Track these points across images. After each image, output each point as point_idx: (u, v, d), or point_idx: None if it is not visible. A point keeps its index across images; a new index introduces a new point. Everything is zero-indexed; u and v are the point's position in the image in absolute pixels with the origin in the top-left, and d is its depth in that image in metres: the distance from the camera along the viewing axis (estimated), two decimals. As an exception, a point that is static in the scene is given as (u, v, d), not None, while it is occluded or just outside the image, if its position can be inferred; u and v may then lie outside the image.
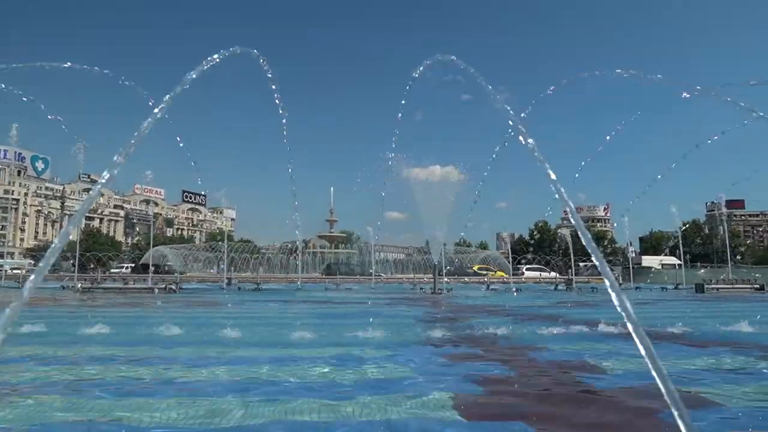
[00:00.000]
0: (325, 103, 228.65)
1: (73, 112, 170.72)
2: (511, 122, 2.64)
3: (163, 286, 23.75)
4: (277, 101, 5.04)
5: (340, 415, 3.47)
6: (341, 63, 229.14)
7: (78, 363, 5.44)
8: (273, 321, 11.35)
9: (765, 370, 5.44)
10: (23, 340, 6.61)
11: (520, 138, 2.40)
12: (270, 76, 5.02)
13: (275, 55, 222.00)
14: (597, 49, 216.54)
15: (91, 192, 2.97)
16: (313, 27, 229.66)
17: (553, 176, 2.18)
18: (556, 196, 2.22)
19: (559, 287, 32.25)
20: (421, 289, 28.67)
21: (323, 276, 47.58)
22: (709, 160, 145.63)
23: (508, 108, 2.68)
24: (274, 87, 5.09)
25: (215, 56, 3.56)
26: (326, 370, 5.06)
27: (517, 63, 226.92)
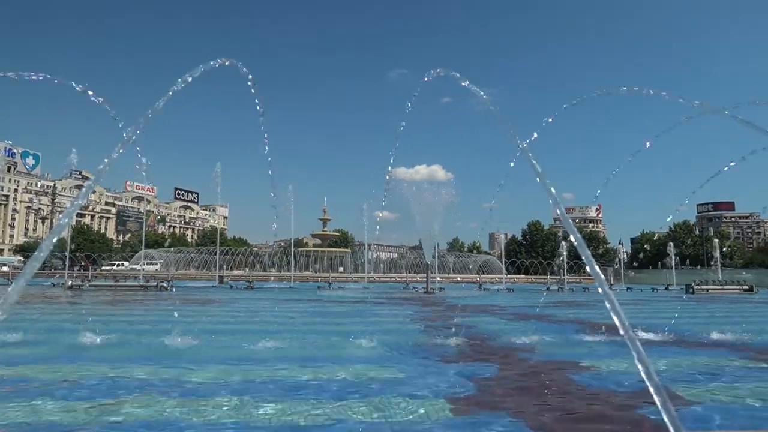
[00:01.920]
0: (318, 98, 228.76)
1: (62, 105, 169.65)
2: (521, 146, 2.70)
3: (155, 284, 23.58)
4: (258, 107, 5.06)
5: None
6: (329, 53, 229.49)
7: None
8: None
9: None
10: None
11: (534, 163, 2.39)
12: (252, 91, 5.03)
13: (274, 51, 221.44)
14: (587, 41, 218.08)
15: (74, 201, 2.95)
16: (308, 22, 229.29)
17: (560, 209, 2.20)
18: (557, 212, 2.24)
19: (551, 287, 32.40)
20: (414, 288, 28.62)
21: (316, 275, 47.67)
22: (702, 163, 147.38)
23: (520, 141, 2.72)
24: (258, 104, 5.12)
25: (201, 69, 3.54)
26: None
27: (505, 52, 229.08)
